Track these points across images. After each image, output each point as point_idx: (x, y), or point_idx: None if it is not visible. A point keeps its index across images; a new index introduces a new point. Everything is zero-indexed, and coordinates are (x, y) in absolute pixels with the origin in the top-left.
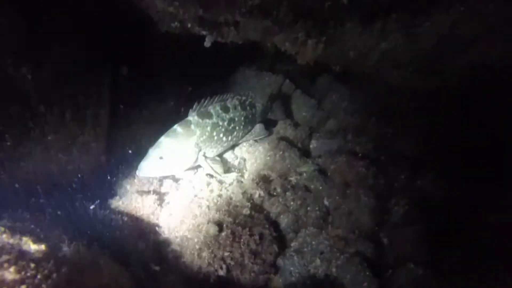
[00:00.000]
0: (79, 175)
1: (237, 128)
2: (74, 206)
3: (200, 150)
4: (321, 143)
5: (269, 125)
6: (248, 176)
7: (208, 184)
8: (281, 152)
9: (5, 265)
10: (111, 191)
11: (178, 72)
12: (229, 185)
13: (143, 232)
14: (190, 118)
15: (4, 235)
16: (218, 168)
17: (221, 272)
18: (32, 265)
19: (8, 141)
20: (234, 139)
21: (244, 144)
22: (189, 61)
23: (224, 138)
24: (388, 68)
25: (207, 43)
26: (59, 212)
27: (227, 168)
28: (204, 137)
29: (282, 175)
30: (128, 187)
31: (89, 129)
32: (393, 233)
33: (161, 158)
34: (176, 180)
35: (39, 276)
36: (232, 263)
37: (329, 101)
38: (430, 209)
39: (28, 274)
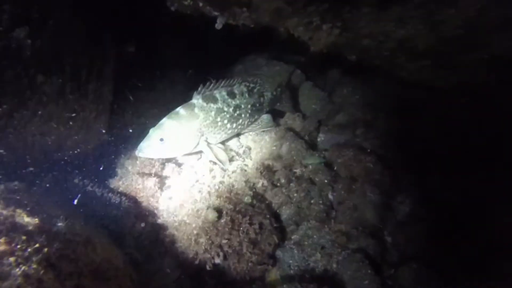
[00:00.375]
0: (78, 151)
1: (242, 115)
2: (72, 182)
3: (202, 135)
4: (329, 137)
5: (276, 115)
6: (252, 165)
7: (211, 170)
8: (287, 143)
9: None
10: (111, 170)
11: (186, 55)
12: (232, 172)
13: (141, 214)
14: (194, 101)
15: None
16: (221, 155)
17: (218, 260)
18: (23, 237)
19: (2, 109)
20: (239, 127)
21: (250, 132)
22: (197, 45)
23: (229, 125)
24: (404, 60)
25: (218, 25)
26: (54, 187)
27: (231, 156)
28: (208, 121)
29: (287, 166)
30: (129, 167)
31: (90, 105)
32: (396, 231)
33: (161, 139)
34: (178, 164)
35: (29, 249)
36: (230, 251)
37: (339, 94)
38: (434, 209)
39: (18, 246)
